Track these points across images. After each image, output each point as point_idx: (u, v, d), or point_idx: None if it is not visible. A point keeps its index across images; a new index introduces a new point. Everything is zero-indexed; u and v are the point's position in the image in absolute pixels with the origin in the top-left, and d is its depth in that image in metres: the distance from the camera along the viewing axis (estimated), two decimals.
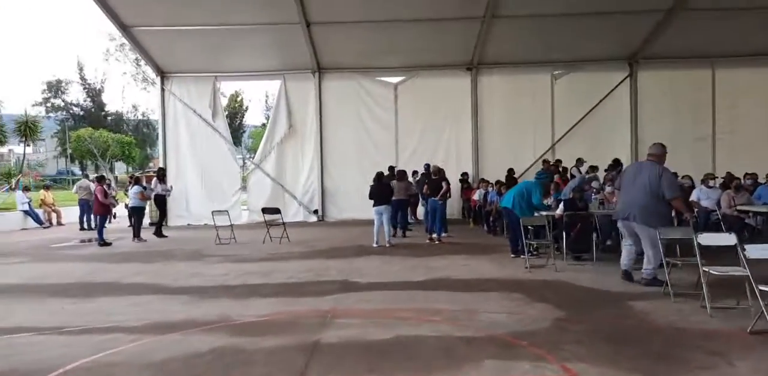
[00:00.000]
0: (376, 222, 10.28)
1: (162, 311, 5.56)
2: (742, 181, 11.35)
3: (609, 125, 15.41)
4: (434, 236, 10.62)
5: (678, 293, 5.63)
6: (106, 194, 11.22)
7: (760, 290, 4.37)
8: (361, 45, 14.64)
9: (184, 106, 15.62)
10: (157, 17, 13.38)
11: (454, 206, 15.30)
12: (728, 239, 5.32)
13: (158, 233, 12.48)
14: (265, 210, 11.35)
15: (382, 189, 10.29)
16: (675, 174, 6.55)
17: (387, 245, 10.07)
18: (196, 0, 12.73)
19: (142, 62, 14.81)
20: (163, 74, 15.56)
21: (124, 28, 13.49)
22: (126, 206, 13.15)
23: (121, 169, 38.16)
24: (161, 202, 12.85)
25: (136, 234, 11.93)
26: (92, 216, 13.88)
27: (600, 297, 5.89)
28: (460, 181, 14.66)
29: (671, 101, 15.44)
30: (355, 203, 14.57)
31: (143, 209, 12.74)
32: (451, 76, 15.54)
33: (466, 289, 6.33)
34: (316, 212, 15.68)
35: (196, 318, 5.17)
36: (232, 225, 11.21)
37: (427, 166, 13.40)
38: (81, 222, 14.93)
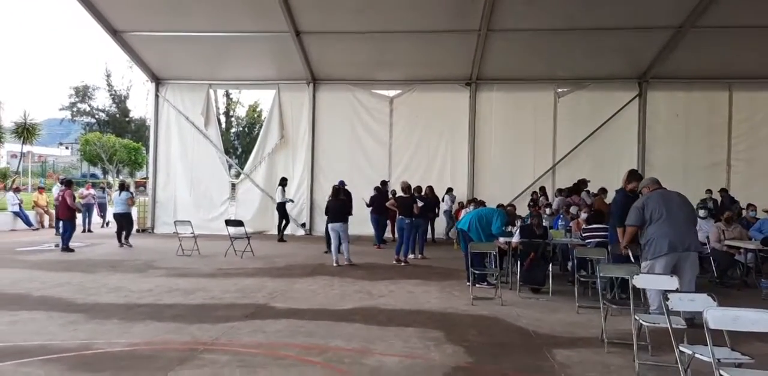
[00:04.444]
0: (333, 241, 9.69)
1: (31, 332, 5.06)
2: (746, 212, 10.39)
3: (615, 147, 14.47)
4: (400, 256, 9.96)
5: (616, 342, 4.88)
6: (73, 198, 10.96)
7: (680, 350, 3.61)
8: (356, 56, 14.23)
9: (177, 114, 15.46)
10: (149, 23, 13.26)
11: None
12: (669, 282, 4.55)
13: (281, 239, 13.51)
14: (228, 222, 10.89)
15: (338, 205, 9.70)
16: None
17: (345, 264, 9.47)
18: (188, 7, 12.56)
19: None
20: (157, 81, 15.46)
21: (115, 33, 13.40)
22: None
23: (141, 174, 38.67)
24: (282, 210, 13.72)
25: (126, 239, 11.94)
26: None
27: (527, 341, 5.14)
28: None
29: (683, 124, 14.45)
30: None
31: (130, 215, 12.52)
32: (449, 90, 14.95)
33: (386, 322, 5.66)
34: (303, 225, 15.23)
35: (54, 344, 4.66)
36: (195, 236, 10.78)
37: (383, 183, 13.10)
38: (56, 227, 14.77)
